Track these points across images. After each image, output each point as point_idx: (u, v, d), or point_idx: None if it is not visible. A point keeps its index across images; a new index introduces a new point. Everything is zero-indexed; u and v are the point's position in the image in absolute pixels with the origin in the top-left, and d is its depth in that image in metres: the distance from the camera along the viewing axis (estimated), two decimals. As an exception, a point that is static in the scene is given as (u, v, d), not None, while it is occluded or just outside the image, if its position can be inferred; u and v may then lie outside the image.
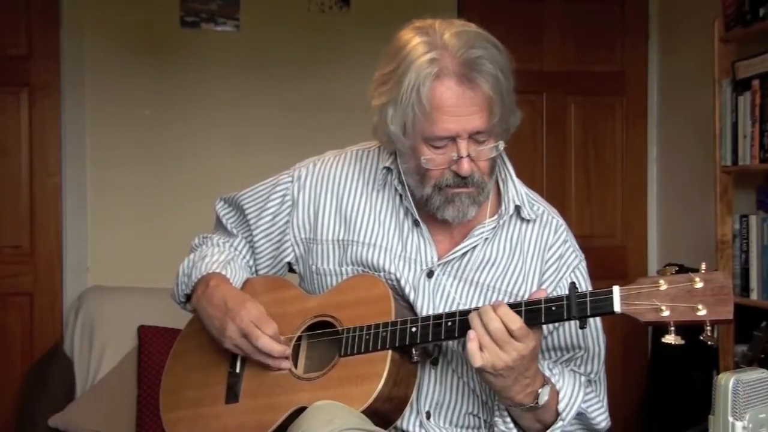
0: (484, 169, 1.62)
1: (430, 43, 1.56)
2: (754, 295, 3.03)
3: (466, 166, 1.58)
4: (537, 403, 1.55)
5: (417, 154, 1.61)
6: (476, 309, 1.52)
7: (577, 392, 1.63)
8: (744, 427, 1.45)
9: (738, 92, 3.07)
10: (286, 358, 1.68)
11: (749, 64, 3.03)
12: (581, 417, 1.69)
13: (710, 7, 3.26)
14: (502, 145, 1.62)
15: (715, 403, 1.48)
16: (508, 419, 1.62)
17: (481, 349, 1.49)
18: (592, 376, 1.73)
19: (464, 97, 1.54)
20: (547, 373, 1.62)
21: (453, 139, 1.57)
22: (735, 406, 1.45)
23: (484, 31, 1.61)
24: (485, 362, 1.49)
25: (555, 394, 1.60)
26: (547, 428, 1.61)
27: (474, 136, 1.58)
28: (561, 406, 1.61)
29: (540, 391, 1.55)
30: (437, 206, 1.64)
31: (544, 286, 1.71)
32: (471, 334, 1.50)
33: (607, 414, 1.73)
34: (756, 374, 1.49)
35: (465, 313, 1.55)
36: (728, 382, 1.46)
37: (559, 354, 1.72)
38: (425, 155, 1.60)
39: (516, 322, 1.48)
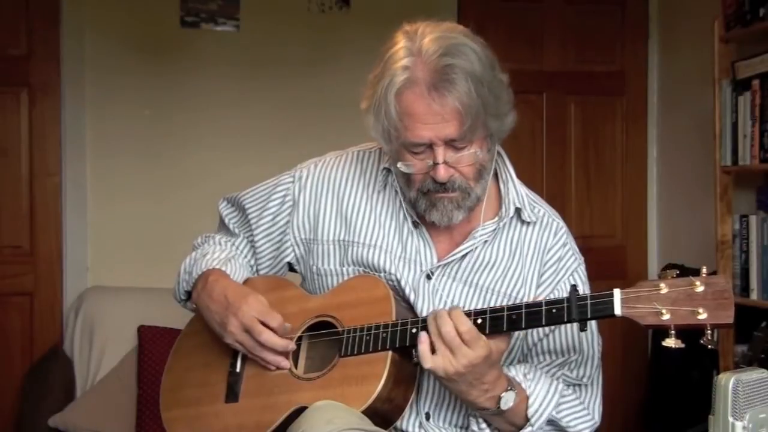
0: (468, 174, 1.61)
1: (408, 48, 1.56)
2: (754, 295, 3.03)
3: (441, 173, 1.58)
4: (499, 407, 1.56)
5: (398, 160, 1.62)
6: (433, 313, 1.54)
7: (550, 399, 1.63)
8: (744, 427, 1.45)
9: (738, 92, 3.07)
10: (287, 355, 1.68)
11: (749, 64, 3.03)
12: (555, 424, 1.68)
13: (710, 7, 3.26)
14: (480, 153, 1.60)
15: (715, 403, 1.48)
16: (481, 419, 1.63)
17: (433, 352, 1.51)
18: (584, 380, 1.72)
19: (433, 105, 1.53)
20: (520, 378, 1.62)
21: (430, 145, 1.57)
22: (735, 406, 1.46)
23: (471, 32, 1.60)
24: (436, 365, 1.50)
25: (525, 399, 1.61)
26: (520, 430, 1.62)
27: (451, 143, 1.57)
28: (530, 412, 1.62)
29: (502, 395, 1.56)
30: (424, 209, 1.65)
31: (541, 288, 1.71)
32: (422, 336, 1.52)
33: (590, 420, 1.70)
34: (756, 374, 1.49)
35: (465, 315, 1.55)
36: (728, 382, 1.47)
37: (553, 357, 1.71)
38: (405, 160, 1.60)
39: (465, 324, 1.50)
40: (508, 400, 1.56)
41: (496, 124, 1.61)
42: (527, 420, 1.62)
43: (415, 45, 1.55)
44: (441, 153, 1.57)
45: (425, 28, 1.58)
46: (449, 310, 1.53)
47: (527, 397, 1.62)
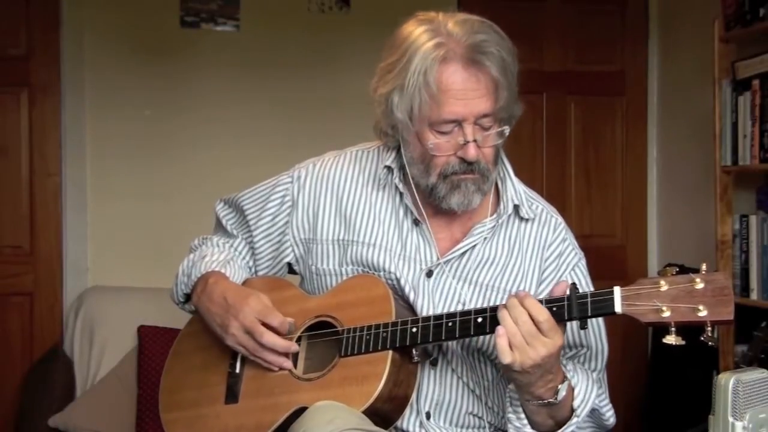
0: (489, 156, 1.63)
1: (434, 30, 1.58)
2: (754, 295, 3.03)
3: (472, 151, 1.59)
4: (556, 398, 1.54)
5: (423, 141, 1.62)
6: (504, 305, 1.50)
7: (591, 389, 1.63)
8: (744, 427, 1.45)
9: (738, 92, 3.07)
10: (288, 355, 1.68)
11: (749, 64, 3.03)
12: (593, 413, 1.69)
13: (710, 7, 3.26)
14: (507, 130, 1.62)
15: (715, 403, 1.48)
16: (522, 415, 1.60)
17: (510, 347, 1.48)
18: (595, 373, 1.72)
19: (471, 80, 1.56)
20: (563, 369, 1.61)
21: (459, 124, 1.58)
22: (735, 406, 1.46)
23: (487, 20, 1.62)
24: (514, 360, 1.48)
25: (570, 390, 1.60)
26: (559, 425, 1.60)
27: (479, 122, 1.59)
28: (576, 403, 1.60)
29: (560, 386, 1.55)
30: (443, 195, 1.64)
31: (543, 285, 1.71)
32: (500, 330, 1.48)
33: (613, 411, 1.73)
34: (756, 374, 1.49)
35: (465, 314, 1.55)
36: (728, 382, 1.47)
37: (563, 351, 1.71)
38: (431, 141, 1.60)
39: (543, 313, 1.47)
40: (561, 391, 1.55)
41: (515, 107, 1.64)
42: (571, 411, 1.60)
43: (441, 28, 1.58)
44: (471, 131, 1.58)
45: (443, 16, 1.61)
46: (520, 298, 1.49)
47: (573, 388, 1.60)
